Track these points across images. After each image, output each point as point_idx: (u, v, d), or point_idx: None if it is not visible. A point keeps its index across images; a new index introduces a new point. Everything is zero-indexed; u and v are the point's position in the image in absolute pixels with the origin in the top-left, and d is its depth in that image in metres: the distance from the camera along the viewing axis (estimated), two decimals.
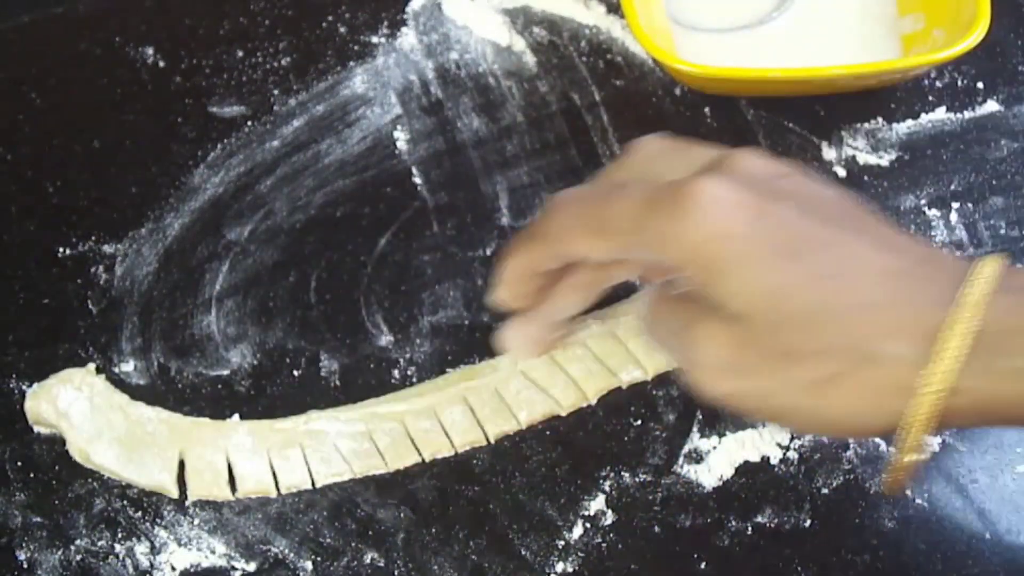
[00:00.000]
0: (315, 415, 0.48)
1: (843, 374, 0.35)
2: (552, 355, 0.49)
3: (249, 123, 0.56)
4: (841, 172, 0.55)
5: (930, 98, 0.57)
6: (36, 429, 0.48)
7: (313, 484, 0.47)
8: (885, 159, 0.55)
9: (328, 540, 0.47)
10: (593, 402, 0.49)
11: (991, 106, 0.56)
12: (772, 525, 0.46)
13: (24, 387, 0.49)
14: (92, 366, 0.49)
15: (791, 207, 0.36)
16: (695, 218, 0.36)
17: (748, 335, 0.36)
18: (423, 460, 0.48)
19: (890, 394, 0.34)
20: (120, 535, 0.46)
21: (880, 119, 0.56)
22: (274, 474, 0.47)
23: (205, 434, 0.48)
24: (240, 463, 0.48)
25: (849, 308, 0.35)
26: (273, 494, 0.47)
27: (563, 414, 0.48)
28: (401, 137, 0.56)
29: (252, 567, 0.46)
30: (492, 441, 0.48)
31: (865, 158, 0.55)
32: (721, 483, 0.47)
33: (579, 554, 0.45)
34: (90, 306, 0.51)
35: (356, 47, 0.58)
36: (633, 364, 0.49)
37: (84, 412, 0.48)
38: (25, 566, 0.45)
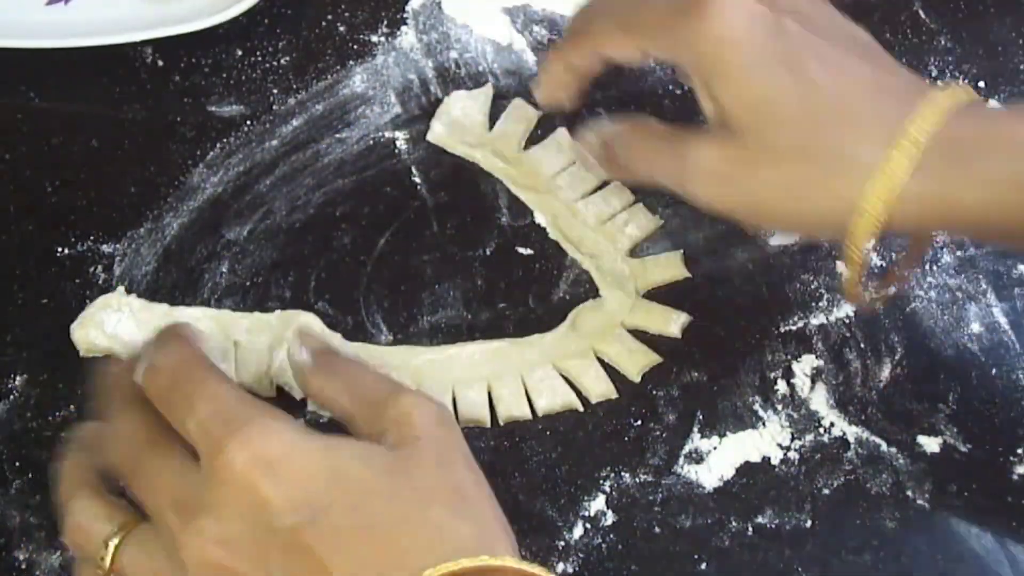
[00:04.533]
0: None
1: (820, 175, 0.39)
2: (593, 345, 0.49)
3: (248, 122, 0.56)
4: None
5: None
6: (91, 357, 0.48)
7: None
8: None
9: None
10: (637, 380, 0.49)
11: (992, 105, 0.56)
12: (772, 526, 0.46)
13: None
14: (121, 288, 0.50)
15: (802, 23, 0.40)
16: (711, 23, 0.40)
17: (737, 143, 0.40)
18: None
19: (853, 194, 0.38)
20: None
21: None
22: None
23: (251, 325, 0.49)
24: (277, 354, 0.47)
25: (834, 116, 0.38)
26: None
27: (593, 401, 0.49)
28: (401, 137, 0.56)
29: None
30: (501, 423, 0.48)
31: None
32: (721, 483, 0.47)
33: (579, 554, 0.45)
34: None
35: (355, 46, 0.58)
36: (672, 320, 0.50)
37: (131, 329, 0.48)
38: (24, 567, 0.45)
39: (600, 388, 0.49)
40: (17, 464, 0.48)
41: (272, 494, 0.35)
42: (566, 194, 0.53)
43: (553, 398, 0.48)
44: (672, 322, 0.50)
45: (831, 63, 0.39)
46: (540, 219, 0.53)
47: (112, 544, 0.38)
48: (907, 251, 0.47)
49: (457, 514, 0.36)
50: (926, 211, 0.38)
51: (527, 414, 0.48)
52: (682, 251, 0.52)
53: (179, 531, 0.36)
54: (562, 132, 0.54)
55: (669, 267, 0.52)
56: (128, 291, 0.51)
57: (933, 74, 0.57)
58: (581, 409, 0.48)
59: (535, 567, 0.35)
